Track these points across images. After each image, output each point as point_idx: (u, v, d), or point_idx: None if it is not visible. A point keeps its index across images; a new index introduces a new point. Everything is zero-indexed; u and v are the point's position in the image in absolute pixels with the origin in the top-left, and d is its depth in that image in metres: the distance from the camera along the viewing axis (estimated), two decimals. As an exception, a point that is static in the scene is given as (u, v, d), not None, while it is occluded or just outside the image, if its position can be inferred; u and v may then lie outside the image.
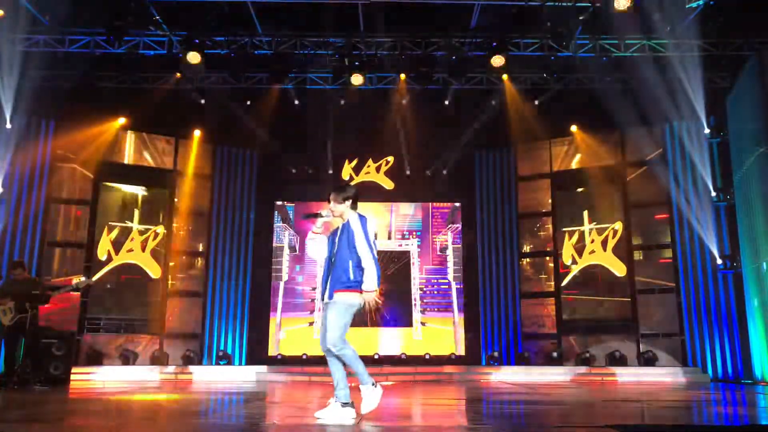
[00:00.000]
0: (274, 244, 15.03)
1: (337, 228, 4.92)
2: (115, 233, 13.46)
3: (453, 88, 13.22)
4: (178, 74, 12.59)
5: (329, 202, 4.92)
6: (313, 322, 14.50)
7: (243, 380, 11.85)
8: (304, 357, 14.00)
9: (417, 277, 14.98)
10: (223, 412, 5.61)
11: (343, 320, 4.62)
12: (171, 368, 12.43)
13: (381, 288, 14.67)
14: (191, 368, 12.51)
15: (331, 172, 15.19)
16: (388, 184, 15.37)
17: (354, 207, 4.92)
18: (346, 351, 4.59)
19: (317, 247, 4.96)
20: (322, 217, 4.92)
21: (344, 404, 4.57)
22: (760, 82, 10.80)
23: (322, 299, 4.79)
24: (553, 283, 14.15)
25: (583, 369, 12.41)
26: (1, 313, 8.54)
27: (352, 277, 4.67)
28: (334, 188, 4.98)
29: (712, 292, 12.27)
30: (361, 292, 4.68)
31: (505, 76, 12.82)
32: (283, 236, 15.09)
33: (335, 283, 4.69)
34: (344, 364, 4.66)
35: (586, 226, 13.96)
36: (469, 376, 12.36)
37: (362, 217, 4.83)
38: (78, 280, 9.54)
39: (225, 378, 12.13)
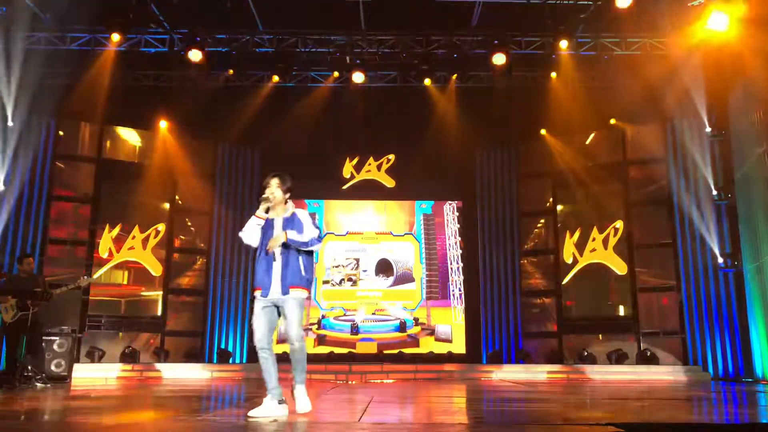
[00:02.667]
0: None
1: (272, 219, 4.83)
2: (116, 231, 13.47)
3: (454, 86, 13.22)
4: (179, 72, 12.59)
5: (268, 186, 4.83)
6: (314, 323, 14.51)
7: (243, 378, 11.86)
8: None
9: (423, 274, 14.96)
10: (224, 410, 5.62)
11: (301, 315, 4.75)
12: (172, 366, 12.43)
13: (382, 287, 14.84)
14: (192, 366, 12.51)
15: (332, 170, 15.20)
16: (389, 182, 15.37)
17: (288, 200, 4.93)
18: (304, 344, 4.74)
19: (258, 234, 4.84)
20: (269, 201, 4.79)
21: (281, 401, 4.65)
22: (762, 80, 10.78)
23: (266, 294, 4.72)
24: (554, 281, 14.16)
25: (583, 367, 12.42)
26: (3, 311, 8.55)
27: (305, 274, 4.74)
28: (277, 174, 4.87)
29: (713, 291, 12.26)
30: (309, 290, 4.80)
31: (505, 74, 12.79)
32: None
33: (291, 280, 4.68)
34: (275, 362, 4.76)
35: (587, 225, 13.96)
36: (470, 374, 12.38)
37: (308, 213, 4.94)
38: (80, 278, 9.54)
39: (225, 375, 12.14)
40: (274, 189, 4.80)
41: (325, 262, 14.76)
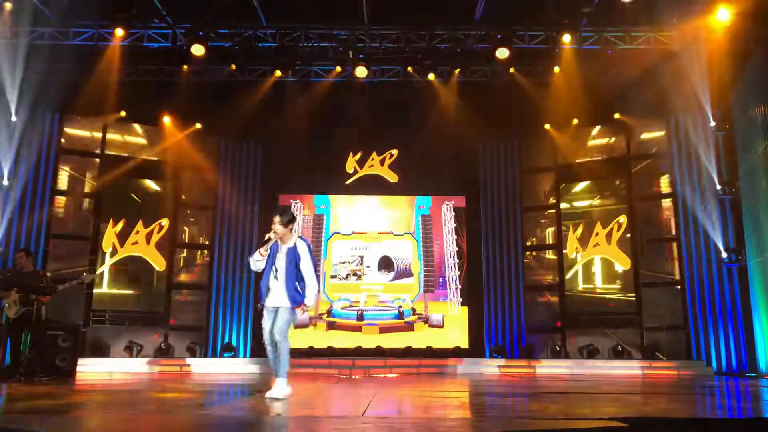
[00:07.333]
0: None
1: (276, 245, 5.68)
2: (120, 226, 13.49)
3: (457, 81, 13.18)
4: (184, 67, 12.58)
5: (272, 222, 5.62)
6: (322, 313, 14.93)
7: (247, 373, 11.88)
8: (310, 349, 14.06)
9: (420, 270, 15.05)
10: (228, 405, 5.63)
11: (290, 321, 5.65)
12: (175, 360, 12.46)
13: (383, 281, 14.96)
14: (195, 361, 12.55)
15: (335, 165, 15.21)
16: (393, 177, 15.37)
17: (292, 228, 5.74)
18: (287, 344, 5.63)
19: (263, 264, 5.70)
20: (270, 240, 5.62)
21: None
22: (767, 75, 10.75)
23: (264, 304, 5.70)
24: (557, 276, 14.14)
25: (587, 362, 12.42)
26: (6, 306, 8.57)
27: (297, 294, 5.62)
28: (279, 212, 5.66)
29: (717, 286, 12.23)
30: (300, 306, 5.66)
31: (509, 69, 12.75)
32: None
33: (288, 297, 5.58)
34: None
35: (591, 219, 13.95)
36: (473, 369, 12.38)
37: (308, 244, 5.79)
38: (84, 274, 9.55)
39: (229, 370, 12.17)
40: (276, 227, 5.59)
41: (332, 259, 15.23)
